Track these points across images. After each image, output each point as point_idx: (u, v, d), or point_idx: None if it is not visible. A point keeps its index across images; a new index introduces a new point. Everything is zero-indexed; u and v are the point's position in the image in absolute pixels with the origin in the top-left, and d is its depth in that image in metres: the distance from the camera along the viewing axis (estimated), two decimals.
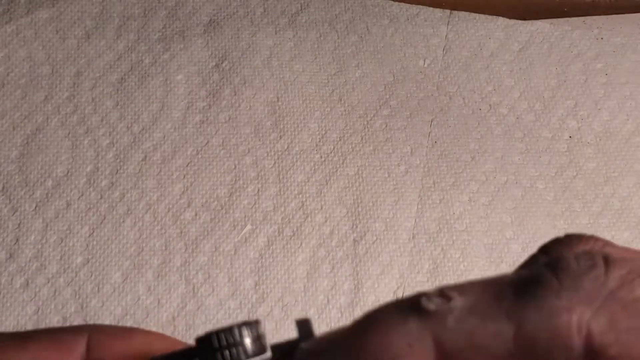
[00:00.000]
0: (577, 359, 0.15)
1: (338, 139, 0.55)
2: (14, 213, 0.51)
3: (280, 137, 0.55)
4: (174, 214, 0.52)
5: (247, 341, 0.21)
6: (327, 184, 0.54)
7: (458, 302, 0.16)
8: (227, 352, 0.20)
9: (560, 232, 0.52)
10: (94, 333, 0.22)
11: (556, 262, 0.16)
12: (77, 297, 0.49)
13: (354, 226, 0.52)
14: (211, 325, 0.49)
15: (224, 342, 0.20)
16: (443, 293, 0.16)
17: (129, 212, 0.52)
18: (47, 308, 0.49)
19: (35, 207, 0.52)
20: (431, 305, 0.16)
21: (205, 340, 0.21)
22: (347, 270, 0.51)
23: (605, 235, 0.52)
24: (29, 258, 0.50)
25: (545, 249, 0.18)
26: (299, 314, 0.50)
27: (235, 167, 0.54)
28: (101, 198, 0.52)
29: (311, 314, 0.50)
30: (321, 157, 0.54)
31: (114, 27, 0.58)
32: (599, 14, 0.61)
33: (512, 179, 0.54)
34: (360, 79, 0.57)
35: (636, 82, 0.58)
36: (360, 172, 0.54)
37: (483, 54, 0.58)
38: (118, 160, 0.54)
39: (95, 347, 0.22)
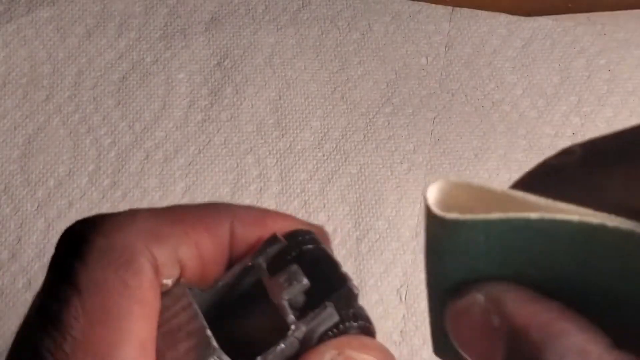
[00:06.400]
0: None
1: (340, 137, 0.55)
2: (16, 213, 0.51)
3: (283, 136, 0.55)
4: None
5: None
6: (329, 182, 0.53)
7: (577, 153, 0.18)
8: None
9: None
10: (236, 221, 0.23)
11: None
12: None
13: (357, 224, 0.52)
14: None
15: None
16: (567, 149, 0.18)
17: None
18: None
19: (37, 207, 0.52)
20: (554, 160, 0.18)
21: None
22: (350, 268, 0.51)
23: None
24: (31, 258, 0.50)
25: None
26: None
27: (237, 165, 0.54)
28: (103, 197, 0.52)
29: None
30: (323, 155, 0.54)
31: (115, 26, 0.58)
32: (603, 10, 0.60)
33: (515, 176, 0.54)
34: (363, 76, 0.57)
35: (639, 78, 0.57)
36: (362, 170, 0.54)
37: (485, 50, 0.58)
38: (120, 159, 0.53)
39: (237, 235, 0.23)
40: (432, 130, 0.55)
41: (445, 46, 0.58)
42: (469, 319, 0.19)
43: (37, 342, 0.20)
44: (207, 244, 0.22)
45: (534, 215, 0.17)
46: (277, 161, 0.54)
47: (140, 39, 0.58)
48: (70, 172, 0.53)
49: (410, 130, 0.55)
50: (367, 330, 0.22)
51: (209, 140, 0.54)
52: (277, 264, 0.22)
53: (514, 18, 0.59)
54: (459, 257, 0.19)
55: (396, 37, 0.59)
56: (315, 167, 0.54)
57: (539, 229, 0.17)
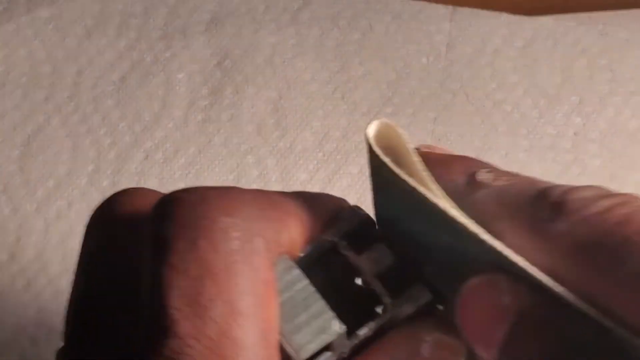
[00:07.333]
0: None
1: (341, 137, 0.55)
2: (15, 213, 0.51)
3: (283, 136, 0.54)
4: None
5: None
6: (330, 182, 0.53)
7: (501, 181, 0.21)
8: None
9: None
10: (314, 206, 0.24)
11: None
12: None
13: None
14: None
15: None
16: (495, 175, 0.21)
17: None
18: (48, 309, 0.48)
19: (37, 207, 0.52)
20: (480, 176, 0.22)
21: None
22: None
23: None
24: (31, 259, 0.50)
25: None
26: None
27: (237, 166, 0.53)
28: (103, 198, 0.52)
29: None
30: (324, 155, 0.54)
31: (114, 25, 0.58)
32: (605, 10, 0.60)
33: None
34: (363, 76, 0.57)
35: None
36: (363, 170, 0.54)
37: (487, 50, 0.58)
38: (119, 159, 0.53)
39: (318, 220, 0.24)
40: (433, 130, 0.55)
41: (446, 46, 0.58)
42: (482, 296, 0.20)
43: (174, 323, 0.19)
44: (299, 230, 0.22)
45: (439, 202, 0.20)
46: (277, 161, 0.54)
47: (140, 39, 0.58)
48: (69, 172, 0.53)
49: (411, 130, 0.55)
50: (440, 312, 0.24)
51: (209, 141, 0.54)
52: (355, 239, 0.23)
53: (515, 17, 0.59)
54: (390, 195, 0.22)
55: (397, 37, 0.58)
56: (316, 167, 0.54)
57: (432, 210, 0.20)
